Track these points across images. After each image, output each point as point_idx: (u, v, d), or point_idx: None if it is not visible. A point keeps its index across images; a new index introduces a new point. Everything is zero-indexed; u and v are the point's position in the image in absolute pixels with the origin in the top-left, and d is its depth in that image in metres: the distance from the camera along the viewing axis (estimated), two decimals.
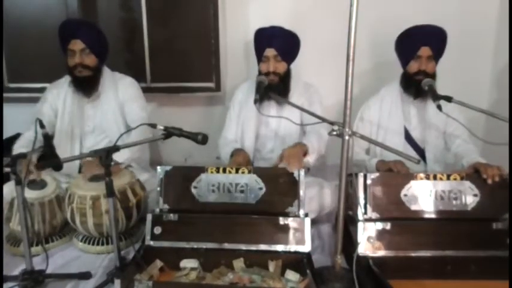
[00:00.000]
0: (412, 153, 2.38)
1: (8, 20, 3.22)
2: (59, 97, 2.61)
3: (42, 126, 1.88)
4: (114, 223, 1.81)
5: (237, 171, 2.01)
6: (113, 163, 1.77)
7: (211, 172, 2.01)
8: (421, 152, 2.45)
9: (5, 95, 3.33)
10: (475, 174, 2.00)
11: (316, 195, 2.31)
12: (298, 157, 2.12)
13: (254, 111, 2.51)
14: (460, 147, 2.33)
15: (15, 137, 3.00)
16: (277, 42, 2.38)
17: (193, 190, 2.00)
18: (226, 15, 3.24)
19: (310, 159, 2.25)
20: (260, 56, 2.46)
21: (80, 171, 2.56)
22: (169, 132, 1.87)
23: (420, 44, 2.29)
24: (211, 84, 3.32)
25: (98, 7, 3.24)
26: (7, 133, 3.12)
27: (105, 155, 1.73)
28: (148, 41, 3.24)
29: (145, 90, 3.07)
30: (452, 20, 2.70)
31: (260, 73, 2.46)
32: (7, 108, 3.37)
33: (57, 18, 2.98)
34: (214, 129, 2.72)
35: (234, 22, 3.26)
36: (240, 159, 2.31)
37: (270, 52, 2.39)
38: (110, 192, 1.77)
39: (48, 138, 1.89)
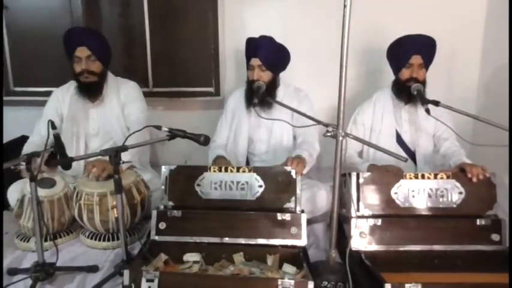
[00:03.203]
0: (403, 155, 2.48)
1: (14, 25, 3.32)
2: (64, 101, 2.70)
3: (54, 127, 1.97)
4: (122, 218, 1.91)
5: (237, 170, 2.12)
6: (121, 162, 1.88)
7: (214, 171, 2.12)
8: (411, 154, 2.57)
9: (10, 98, 3.43)
10: (460, 173, 2.12)
11: (311, 197, 2.41)
12: (303, 165, 2.21)
13: (246, 117, 2.64)
14: (448, 149, 2.45)
15: (20, 139, 3.11)
16: (263, 53, 2.47)
17: (197, 188, 2.11)
18: (225, 23, 3.35)
19: (304, 171, 2.30)
20: (247, 64, 2.58)
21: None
22: (174, 134, 1.98)
23: (412, 53, 2.42)
24: (210, 89, 3.44)
25: (102, 14, 3.34)
26: (12, 135, 3.22)
27: (114, 154, 1.85)
28: (151, 48, 3.35)
29: (147, 94, 3.17)
30: (441, 27, 2.82)
31: (248, 80, 2.58)
32: (12, 111, 3.49)
33: (62, 25, 3.09)
34: (213, 132, 2.80)
35: (233, 29, 3.37)
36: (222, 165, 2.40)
37: (254, 61, 2.50)
38: (118, 189, 1.88)
39: (59, 139, 1.98)
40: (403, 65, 2.45)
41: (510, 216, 2.03)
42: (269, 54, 2.51)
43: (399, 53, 2.50)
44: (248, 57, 2.56)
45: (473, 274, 1.89)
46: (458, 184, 2.07)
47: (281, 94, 2.62)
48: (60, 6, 3.30)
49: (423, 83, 2.46)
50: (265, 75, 2.52)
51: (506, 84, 2.83)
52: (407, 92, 2.45)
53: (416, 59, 2.42)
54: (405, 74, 2.46)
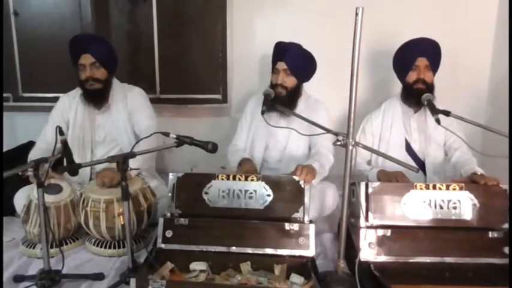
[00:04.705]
0: (412, 164, 2.45)
1: (24, 31, 3.34)
2: (70, 108, 2.70)
3: (61, 133, 1.97)
4: (128, 225, 1.90)
5: (246, 179, 2.10)
6: (129, 169, 1.87)
7: (222, 179, 2.10)
8: (421, 164, 2.54)
9: (18, 103, 3.45)
10: (473, 184, 2.07)
11: (318, 194, 2.38)
12: (313, 175, 2.19)
13: (264, 123, 2.61)
14: (460, 158, 2.43)
15: (28, 144, 3.12)
16: (289, 58, 2.47)
17: (204, 196, 2.09)
18: (234, 30, 3.37)
19: (314, 181, 2.29)
20: (273, 68, 2.56)
21: (91, 179, 2.66)
22: (181, 141, 1.97)
23: (417, 55, 2.44)
24: (218, 96, 3.44)
25: (111, 21, 3.36)
26: (20, 141, 3.24)
27: (122, 161, 1.83)
28: (159, 54, 3.36)
29: (155, 101, 3.18)
30: (450, 36, 2.82)
31: (271, 83, 2.56)
32: (20, 117, 3.51)
33: (71, 31, 3.10)
34: (221, 139, 2.73)
35: (241, 37, 3.38)
36: (247, 168, 2.40)
37: (280, 65, 2.49)
38: (125, 196, 1.87)
39: (67, 145, 1.98)
40: (410, 67, 2.47)
41: (510, 220, 1.98)
42: (296, 59, 2.51)
43: (404, 57, 2.52)
44: (274, 60, 2.55)
45: None
46: (472, 196, 2.02)
47: (302, 105, 2.60)
48: (70, 13, 3.32)
49: (431, 85, 2.46)
50: (289, 81, 2.51)
51: None
52: (416, 96, 2.44)
53: (421, 61, 2.44)
54: (412, 76, 2.47)
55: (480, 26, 3.24)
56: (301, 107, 2.58)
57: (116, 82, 2.74)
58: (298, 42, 2.61)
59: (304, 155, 2.59)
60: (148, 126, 2.65)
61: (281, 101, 2.45)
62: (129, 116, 2.71)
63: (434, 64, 2.47)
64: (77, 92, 2.72)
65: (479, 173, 2.19)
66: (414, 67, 2.45)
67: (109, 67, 2.64)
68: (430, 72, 2.45)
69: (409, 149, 2.57)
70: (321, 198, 2.39)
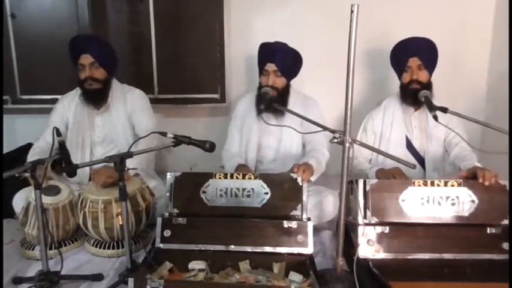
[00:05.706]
0: (412, 161, 2.45)
1: (22, 33, 3.34)
2: (69, 108, 2.71)
3: (58, 134, 1.97)
4: (127, 226, 1.90)
5: (243, 177, 2.10)
6: (126, 169, 1.87)
7: (219, 178, 2.10)
8: (421, 160, 2.54)
9: (16, 106, 3.45)
10: (472, 180, 2.06)
11: (318, 203, 2.39)
12: (310, 171, 2.20)
13: (256, 123, 2.60)
14: (459, 154, 2.42)
15: (27, 146, 3.12)
16: (279, 59, 2.47)
17: (202, 195, 2.09)
18: (231, 30, 3.36)
19: (312, 178, 2.30)
20: (261, 69, 2.55)
21: (90, 179, 2.66)
22: (179, 140, 1.97)
23: (408, 56, 2.43)
24: (216, 96, 3.44)
25: (109, 22, 3.36)
26: (19, 143, 3.24)
27: (119, 161, 1.84)
28: (156, 55, 3.36)
29: (153, 101, 3.16)
30: (448, 36, 2.81)
31: (260, 85, 2.55)
32: (19, 119, 3.52)
33: (69, 33, 3.11)
34: (219, 138, 2.76)
35: (239, 37, 3.38)
36: None
37: (270, 67, 2.48)
38: (123, 196, 1.87)
39: (64, 146, 1.97)
40: (403, 69, 2.47)
41: (510, 220, 1.98)
42: (285, 59, 2.50)
43: (397, 57, 2.52)
44: (263, 62, 2.54)
45: (483, 284, 1.84)
46: (470, 192, 2.02)
47: (291, 101, 2.60)
48: (67, 14, 3.33)
49: (427, 84, 2.44)
50: (280, 81, 2.51)
51: None
52: (412, 96, 2.44)
53: (413, 61, 2.43)
54: (406, 77, 2.48)
55: (478, 25, 3.24)
56: (292, 105, 2.57)
57: (115, 83, 2.75)
58: (295, 42, 2.61)
59: (298, 153, 2.60)
60: (148, 127, 2.64)
61: (274, 102, 2.43)
62: (128, 117, 2.71)
63: (428, 62, 2.45)
64: (76, 93, 2.72)
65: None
66: (407, 68, 2.44)
67: (108, 67, 2.64)
68: (423, 71, 2.44)
69: (409, 146, 2.56)
70: (320, 207, 2.39)
